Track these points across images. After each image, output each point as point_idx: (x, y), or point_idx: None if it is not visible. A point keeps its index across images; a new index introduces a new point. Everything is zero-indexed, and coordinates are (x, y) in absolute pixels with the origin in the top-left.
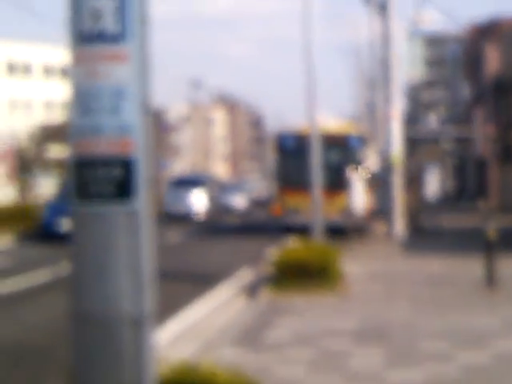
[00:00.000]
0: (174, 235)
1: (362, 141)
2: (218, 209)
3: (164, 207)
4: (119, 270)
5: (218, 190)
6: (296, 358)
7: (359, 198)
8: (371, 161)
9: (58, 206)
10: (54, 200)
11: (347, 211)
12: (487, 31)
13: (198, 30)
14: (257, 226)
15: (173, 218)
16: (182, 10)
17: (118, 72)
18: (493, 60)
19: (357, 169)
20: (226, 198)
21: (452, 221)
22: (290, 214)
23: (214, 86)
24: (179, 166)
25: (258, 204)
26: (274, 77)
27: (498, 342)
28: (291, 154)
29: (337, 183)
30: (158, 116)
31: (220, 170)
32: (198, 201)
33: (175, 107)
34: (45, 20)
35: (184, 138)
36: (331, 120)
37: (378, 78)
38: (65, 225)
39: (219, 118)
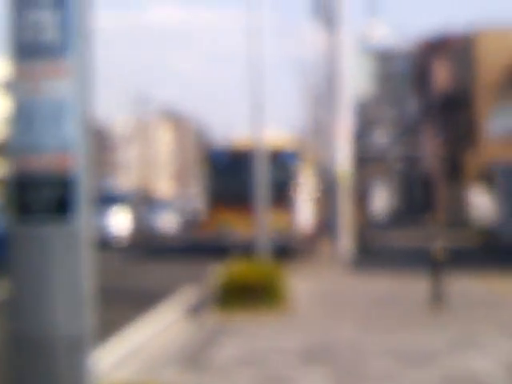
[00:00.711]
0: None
1: (296, 156)
2: (144, 231)
3: None
4: (57, 290)
5: (145, 208)
6: (240, 379)
7: (297, 216)
8: (308, 177)
9: None
10: None
11: (282, 230)
12: (436, 47)
13: (145, 43)
14: (184, 249)
15: None
16: (130, 22)
17: (58, 87)
18: (441, 75)
19: (294, 185)
20: (151, 217)
21: (399, 238)
22: (222, 233)
23: (161, 101)
24: (123, 184)
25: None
26: (222, 91)
27: (444, 360)
28: (223, 170)
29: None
30: (101, 132)
31: (165, 187)
32: (118, 221)
33: (120, 122)
34: None
35: (129, 154)
36: (275, 134)
37: (325, 93)
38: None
39: (166, 134)
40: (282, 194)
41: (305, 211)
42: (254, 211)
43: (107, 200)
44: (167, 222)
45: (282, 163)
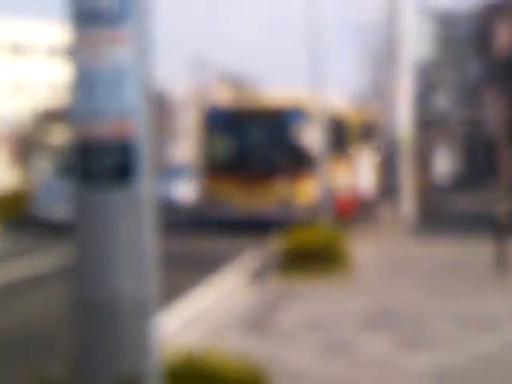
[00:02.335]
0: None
1: (301, 115)
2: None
3: (34, 209)
4: (121, 256)
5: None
6: (303, 342)
7: (309, 185)
8: (311, 138)
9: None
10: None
11: (286, 202)
12: (499, 8)
13: (203, 9)
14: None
15: (46, 228)
16: None
17: (118, 54)
18: (504, 37)
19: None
20: (164, 187)
21: (463, 202)
22: (218, 206)
23: (220, 66)
24: (181, 152)
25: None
26: (281, 55)
27: (503, 328)
28: (221, 133)
29: (273, 166)
30: (160, 97)
31: None
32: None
33: (179, 88)
34: None
35: (189, 119)
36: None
37: (385, 55)
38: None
39: (225, 98)
40: (282, 158)
41: (364, 175)
42: (256, 181)
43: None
44: (183, 193)
45: (286, 123)
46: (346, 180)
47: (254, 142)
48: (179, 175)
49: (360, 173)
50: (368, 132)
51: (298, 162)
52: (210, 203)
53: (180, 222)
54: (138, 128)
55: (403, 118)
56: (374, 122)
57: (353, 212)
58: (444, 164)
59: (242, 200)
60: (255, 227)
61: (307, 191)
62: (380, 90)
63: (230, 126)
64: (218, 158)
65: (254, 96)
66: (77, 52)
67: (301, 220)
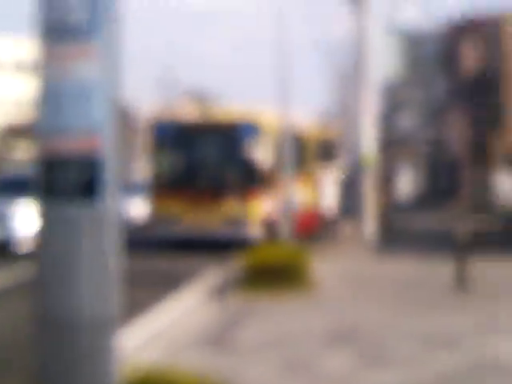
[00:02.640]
0: None
1: (254, 130)
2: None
3: None
4: (83, 272)
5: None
6: (265, 360)
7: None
8: (264, 155)
9: None
10: None
11: (234, 221)
12: (465, 29)
13: (171, 26)
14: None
15: None
16: (155, 4)
17: (86, 69)
18: (470, 58)
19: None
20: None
21: (424, 221)
22: (164, 224)
23: (187, 84)
24: (143, 169)
25: None
26: (247, 73)
27: (469, 343)
28: (170, 148)
29: (222, 182)
30: (126, 114)
31: None
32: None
33: (146, 105)
34: (14, 13)
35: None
36: (302, 115)
37: (352, 75)
38: None
39: (190, 116)
40: (235, 176)
41: (326, 193)
42: (205, 198)
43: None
44: (137, 210)
45: (238, 138)
46: (307, 198)
47: (202, 157)
48: (135, 193)
49: (322, 191)
50: (330, 150)
51: (250, 178)
52: (158, 221)
53: (131, 241)
54: (105, 144)
55: (367, 138)
56: (337, 141)
57: (314, 230)
58: (407, 183)
59: (190, 218)
60: (205, 246)
61: (259, 209)
62: (346, 110)
63: (178, 141)
64: (165, 174)
65: (206, 110)
66: (44, 67)
67: (252, 239)
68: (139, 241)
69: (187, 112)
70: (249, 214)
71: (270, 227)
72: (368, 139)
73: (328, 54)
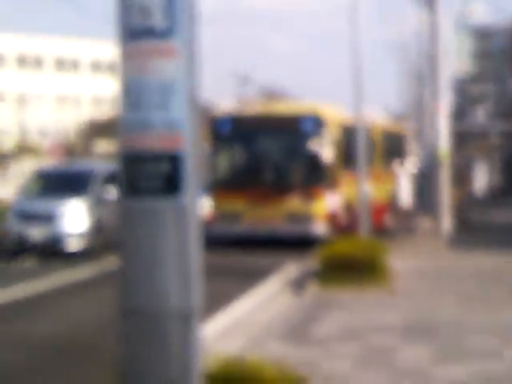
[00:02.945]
0: None
1: (318, 123)
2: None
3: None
4: (167, 264)
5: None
6: (343, 352)
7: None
8: (328, 149)
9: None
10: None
11: (297, 218)
12: None
13: (246, 26)
14: None
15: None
16: (229, 5)
17: (166, 67)
18: None
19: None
20: None
21: (500, 216)
22: (225, 221)
23: (262, 82)
24: None
25: None
26: (322, 72)
27: None
28: (230, 142)
29: (285, 179)
30: (206, 112)
31: None
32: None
33: (223, 103)
34: (94, 16)
35: None
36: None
37: (425, 72)
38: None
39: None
40: (300, 172)
41: (402, 188)
42: (267, 193)
43: (59, 182)
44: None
45: (302, 132)
46: (381, 193)
47: (264, 151)
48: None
49: (398, 185)
50: (402, 146)
51: (313, 174)
52: (220, 218)
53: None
54: (186, 140)
55: (442, 133)
56: (408, 137)
57: (389, 224)
58: (482, 177)
59: (252, 214)
60: (267, 243)
61: (322, 205)
62: (418, 106)
63: (238, 135)
64: (226, 170)
65: (269, 104)
66: (125, 66)
67: (315, 236)
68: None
69: (250, 107)
70: (312, 211)
71: (334, 223)
72: (442, 134)
73: (403, 53)
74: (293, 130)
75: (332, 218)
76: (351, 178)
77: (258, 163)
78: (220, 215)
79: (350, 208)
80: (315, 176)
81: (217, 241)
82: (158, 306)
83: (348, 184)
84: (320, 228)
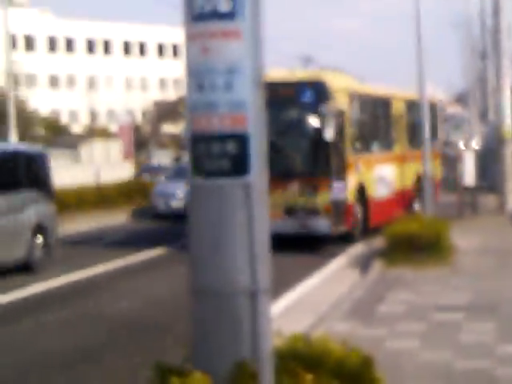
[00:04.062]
0: None
1: (325, 95)
2: None
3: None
4: (235, 243)
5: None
6: (409, 331)
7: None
8: (336, 125)
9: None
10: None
11: (296, 211)
12: None
13: (309, 7)
14: None
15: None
16: None
17: (230, 48)
18: None
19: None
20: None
21: None
22: None
23: (325, 62)
24: None
25: None
26: (386, 50)
27: None
28: None
29: (284, 166)
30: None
31: None
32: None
33: None
34: (159, 1)
35: None
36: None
37: (488, 49)
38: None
39: None
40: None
41: (465, 165)
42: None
43: None
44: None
45: (304, 103)
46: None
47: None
48: None
49: (461, 163)
50: (461, 123)
51: (316, 158)
52: None
53: None
54: (251, 120)
55: (506, 109)
56: (467, 116)
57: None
58: None
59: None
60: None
61: (327, 198)
62: (483, 84)
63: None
64: None
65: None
66: (190, 47)
67: (321, 231)
68: None
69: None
70: (315, 204)
71: (343, 219)
72: (506, 111)
73: (464, 28)
74: (290, 103)
75: (339, 213)
76: (368, 162)
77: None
78: None
79: (369, 199)
80: (319, 161)
81: None
82: (227, 284)
83: (364, 170)
84: (323, 224)
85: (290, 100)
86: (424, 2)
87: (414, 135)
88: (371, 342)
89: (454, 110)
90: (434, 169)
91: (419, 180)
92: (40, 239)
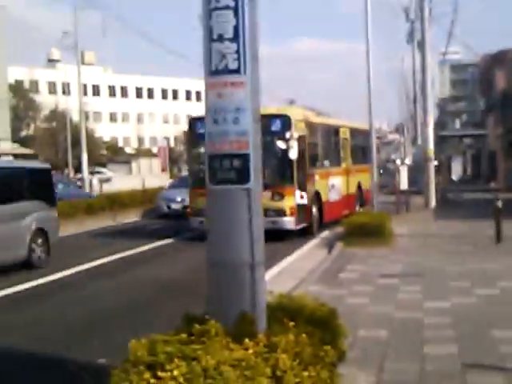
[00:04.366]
0: None
1: (288, 124)
2: None
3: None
4: (240, 230)
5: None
6: (361, 291)
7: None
8: (297, 147)
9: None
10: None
11: (269, 212)
12: (497, 59)
13: (292, 64)
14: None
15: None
16: (276, 50)
17: (237, 94)
18: (500, 81)
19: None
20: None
21: (470, 195)
22: (198, 217)
23: (303, 104)
24: None
25: None
26: (350, 95)
27: (502, 280)
28: (203, 142)
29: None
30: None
31: None
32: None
33: None
34: (189, 61)
35: None
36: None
37: (417, 95)
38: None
39: None
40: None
41: (401, 176)
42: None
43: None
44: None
45: (272, 131)
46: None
47: None
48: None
49: (398, 174)
50: (397, 146)
51: (283, 172)
52: (194, 214)
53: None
54: (251, 144)
55: (429, 137)
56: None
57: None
58: (457, 169)
59: None
60: None
61: (292, 199)
62: (413, 119)
63: None
64: (200, 168)
65: None
66: (209, 93)
67: (287, 229)
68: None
69: None
70: (283, 206)
71: (303, 217)
72: (429, 138)
73: (400, 81)
74: (264, 131)
75: (301, 213)
76: (322, 175)
77: None
78: (196, 211)
79: (323, 202)
80: (285, 174)
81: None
82: (234, 259)
83: (320, 180)
84: (289, 222)
85: (263, 128)
86: (374, 64)
87: (355, 154)
88: (335, 299)
89: (393, 136)
90: (368, 179)
91: (360, 187)
92: (40, 241)
